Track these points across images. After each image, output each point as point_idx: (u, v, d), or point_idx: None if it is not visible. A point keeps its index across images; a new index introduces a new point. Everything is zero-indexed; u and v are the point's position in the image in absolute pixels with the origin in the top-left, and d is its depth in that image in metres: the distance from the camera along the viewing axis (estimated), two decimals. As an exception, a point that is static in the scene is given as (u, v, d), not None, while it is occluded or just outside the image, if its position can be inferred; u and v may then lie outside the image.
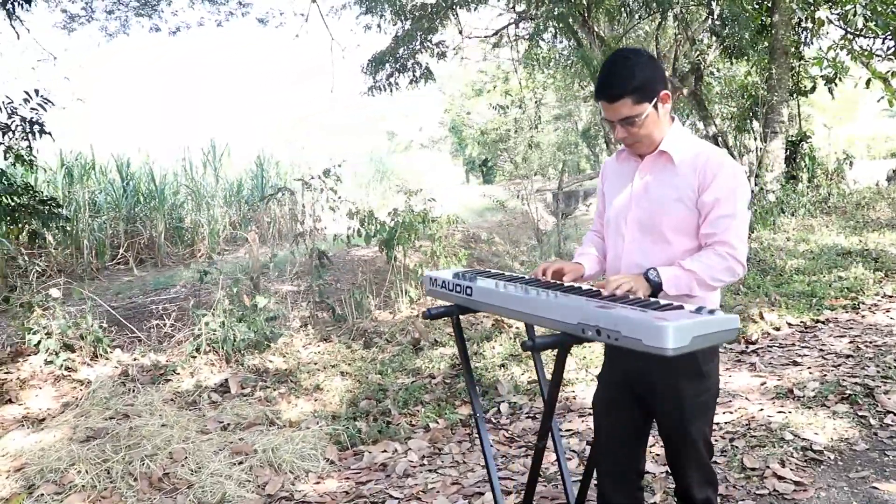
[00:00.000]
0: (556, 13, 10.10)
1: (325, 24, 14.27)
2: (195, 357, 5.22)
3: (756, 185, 11.19)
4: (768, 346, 5.20)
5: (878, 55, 12.98)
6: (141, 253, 13.42)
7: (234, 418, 4.15)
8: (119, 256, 13.00)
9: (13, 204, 6.86)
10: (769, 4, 11.58)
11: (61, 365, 4.94)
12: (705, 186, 2.11)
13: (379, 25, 13.81)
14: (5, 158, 6.91)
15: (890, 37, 12.55)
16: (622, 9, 10.83)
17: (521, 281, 2.15)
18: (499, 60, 17.97)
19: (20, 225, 7.18)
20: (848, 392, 4.12)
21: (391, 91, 14.01)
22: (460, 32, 14.11)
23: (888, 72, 12.69)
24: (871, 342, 5.06)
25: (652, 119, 2.12)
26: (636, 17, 11.35)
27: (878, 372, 4.45)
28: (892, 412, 3.86)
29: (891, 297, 6.40)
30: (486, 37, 13.93)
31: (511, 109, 15.92)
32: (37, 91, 6.66)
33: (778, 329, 5.59)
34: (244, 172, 16.22)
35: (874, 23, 11.87)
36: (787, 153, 12.13)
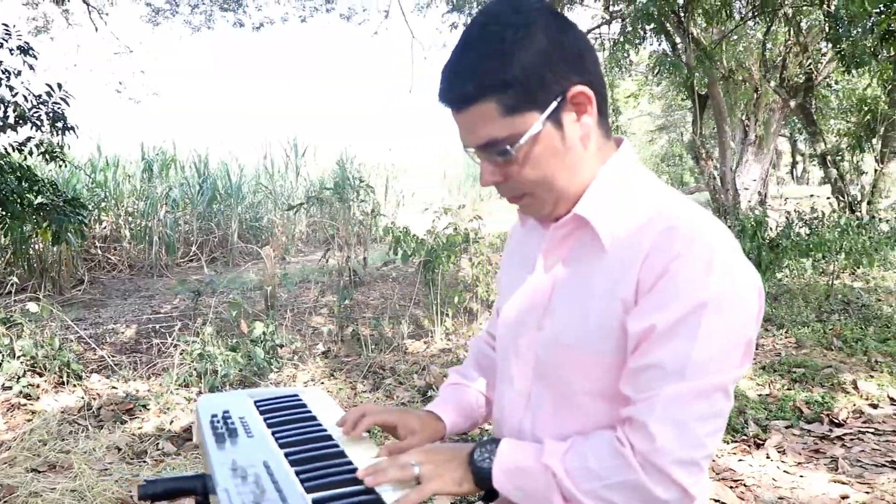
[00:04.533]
0: (646, 12, 9.08)
1: (406, 21, 13.75)
2: (174, 391, 4.58)
3: (868, 212, 9.82)
4: (860, 433, 3.91)
5: None
6: (214, 251, 13.26)
7: (170, 483, 3.45)
8: (191, 254, 12.86)
9: (37, 202, 6.51)
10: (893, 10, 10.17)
11: (20, 392, 4.39)
12: (643, 293, 1.02)
13: (465, 24, 13.15)
14: (31, 154, 6.53)
15: None
16: (724, 9, 9.66)
17: (298, 458, 1.12)
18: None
19: (44, 225, 6.83)
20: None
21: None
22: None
23: None
24: None
25: (549, 146, 1.06)
26: (739, 17, 10.15)
27: None
28: None
29: None
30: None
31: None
32: (59, 85, 6.24)
33: (876, 406, 4.36)
34: (326, 173, 15.86)
35: None
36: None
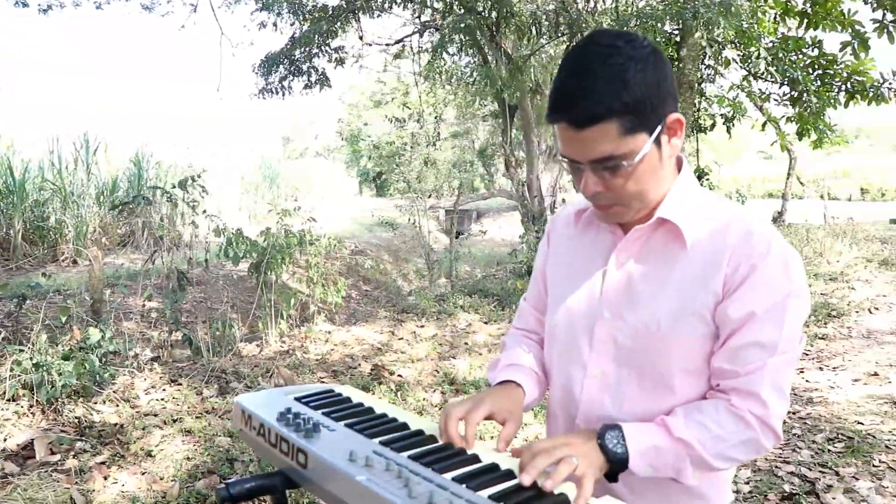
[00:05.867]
0: (463, 25, 9.47)
1: (215, 16, 13.32)
2: (1, 406, 4.17)
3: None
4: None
5: (774, 99, 13.11)
6: (-8, 252, 12.00)
7: (25, 504, 3.18)
8: (-36, 256, 11.56)
9: None
10: (678, 39, 11.39)
11: None
12: (733, 285, 1.23)
13: (275, 24, 12.94)
14: None
15: (787, 83, 12.68)
16: (533, 27, 10.30)
17: (398, 445, 1.16)
18: (399, 72, 17.29)
19: None
20: (787, 489, 3.54)
21: (283, 95, 13.18)
22: (361, 38, 13.39)
23: (782, 117, 12.89)
24: (794, 413, 4.56)
25: (650, 164, 1.23)
26: (546, 37, 10.85)
27: (812, 458, 3.91)
28: (839, 521, 3.33)
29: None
30: (387, 45, 13.22)
31: (409, 123, 15.24)
32: None
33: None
34: (120, 171, 14.85)
35: (775, 68, 11.94)
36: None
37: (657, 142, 1.22)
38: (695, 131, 12.61)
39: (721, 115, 12.91)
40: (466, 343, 6.66)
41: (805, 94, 11.36)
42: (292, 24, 12.76)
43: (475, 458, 1.15)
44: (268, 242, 6.40)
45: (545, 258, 1.55)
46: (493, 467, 1.11)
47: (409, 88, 19.00)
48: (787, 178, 19.44)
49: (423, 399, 5.09)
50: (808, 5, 10.48)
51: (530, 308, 1.61)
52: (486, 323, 7.58)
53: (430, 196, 14.03)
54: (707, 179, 12.48)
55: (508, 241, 16.70)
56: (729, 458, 1.24)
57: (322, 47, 12.50)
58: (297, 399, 1.40)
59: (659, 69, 1.20)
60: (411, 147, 13.93)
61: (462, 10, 9.97)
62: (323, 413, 1.32)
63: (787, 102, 12.50)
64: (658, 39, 10.89)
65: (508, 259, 11.35)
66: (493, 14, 10.08)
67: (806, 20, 10.36)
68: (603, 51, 1.18)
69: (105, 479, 3.55)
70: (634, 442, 1.21)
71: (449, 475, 1.06)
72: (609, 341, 1.34)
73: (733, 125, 13.10)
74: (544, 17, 10.02)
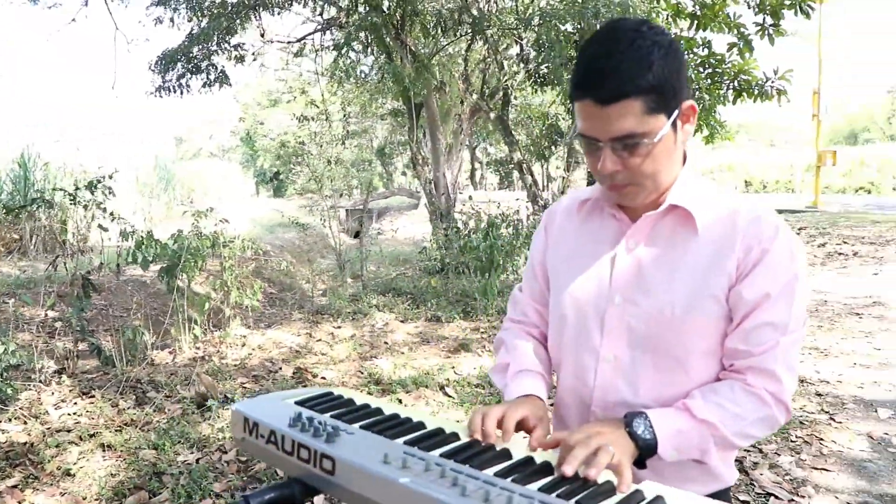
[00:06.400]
0: (368, 23, 9.41)
1: (108, 10, 12.71)
2: None
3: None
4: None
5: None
6: None
7: (-63, 531, 2.95)
8: None
9: None
10: (577, 38, 11.66)
11: None
12: (747, 268, 1.28)
13: (172, 20, 12.51)
14: None
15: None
16: (438, 25, 10.35)
17: (426, 445, 1.12)
18: (300, 70, 17.02)
19: None
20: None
21: (181, 93, 12.75)
22: (262, 36, 13.10)
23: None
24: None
25: (667, 146, 1.26)
26: (450, 34, 10.90)
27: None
28: (773, 494, 3.47)
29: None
30: (289, 42, 12.98)
31: (311, 123, 15.02)
32: None
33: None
34: (4, 172, 13.98)
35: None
36: (588, 183, 12.32)
37: (674, 125, 1.26)
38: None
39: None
40: (386, 343, 6.62)
41: (697, 92, 11.82)
42: (190, 21, 12.37)
43: (508, 453, 1.14)
44: (179, 245, 6.16)
45: (544, 249, 1.55)
46: (529, 460, 1.10)
47: (308, 87, 18.71)
48: (680, 173, 20.23)
49: (349, 400, 5.02)
50: (697, 8, 10.94)
51: (528, 300, 1.60)
52: (402, 322, 7.55)
53: (341, 195, 13.86)
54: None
55: (411, 239, 16.73)
56: (748, 435, 1.29)
57: (221, 44, 12.17)
58: (300, 404, 1.35)
59: (678, 57, 1.25)
60: (319, 146, 13.71)
61: (367, 8, 9.90)
62: (332, 416, 1.27)
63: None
64: (559, 39, 11.13)
65: (418, 257, 11.35)
66: (398, 12, 10.05)
67: (696, 22, 10.81)
68: (629, 34, 1.22)
69: (20, 502, 3.33)
70: (661, 427, 1.24)
71: (490, 471, 1.04)
72: (622, 326, 1.36)
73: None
74: (448, 15, 10.07)
